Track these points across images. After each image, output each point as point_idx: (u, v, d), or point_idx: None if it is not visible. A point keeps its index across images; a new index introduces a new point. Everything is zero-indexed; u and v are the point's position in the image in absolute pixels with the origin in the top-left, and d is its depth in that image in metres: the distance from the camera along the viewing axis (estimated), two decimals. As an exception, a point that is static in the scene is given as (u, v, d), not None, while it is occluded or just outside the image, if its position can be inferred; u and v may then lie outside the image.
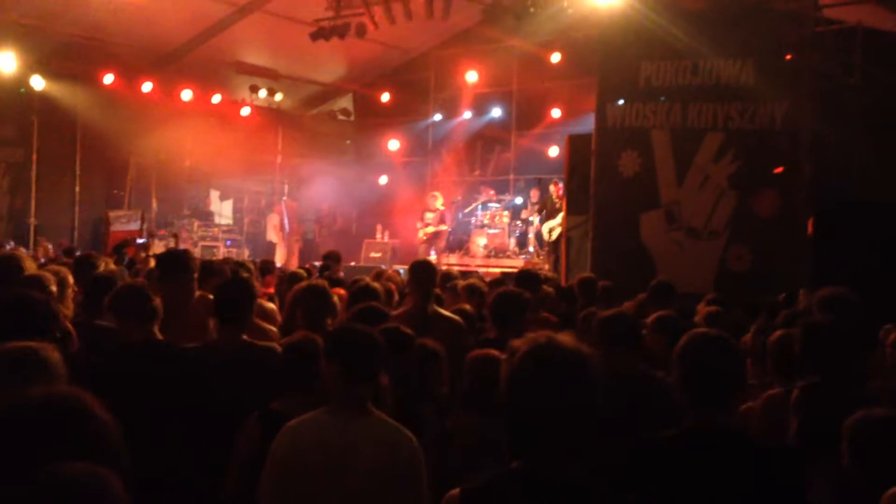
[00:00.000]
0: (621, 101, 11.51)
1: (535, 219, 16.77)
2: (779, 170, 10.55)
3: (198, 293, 5.48)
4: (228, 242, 18.53)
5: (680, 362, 3.12)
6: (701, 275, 10.36)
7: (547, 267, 14.80)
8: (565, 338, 2.37)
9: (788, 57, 10.55)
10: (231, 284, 4.78)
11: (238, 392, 4.00)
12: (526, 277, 7.22)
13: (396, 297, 7.16)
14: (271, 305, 6.38)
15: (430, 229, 17.01)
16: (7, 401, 1.88)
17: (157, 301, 4.21)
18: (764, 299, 7.31)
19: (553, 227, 15.14)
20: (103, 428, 1.88)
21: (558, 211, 15.08)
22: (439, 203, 17.28)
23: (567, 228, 13.45)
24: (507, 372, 2.35)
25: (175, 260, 5.52)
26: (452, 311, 5.91)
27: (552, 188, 15.64)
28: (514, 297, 5.33)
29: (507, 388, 2.34)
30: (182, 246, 15.17)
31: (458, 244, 17.87)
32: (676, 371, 3.15)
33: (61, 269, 5.70)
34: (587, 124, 13.30)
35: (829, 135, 10.35)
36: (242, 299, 4.53)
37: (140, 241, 15.06)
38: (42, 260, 10.38)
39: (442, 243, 17.15)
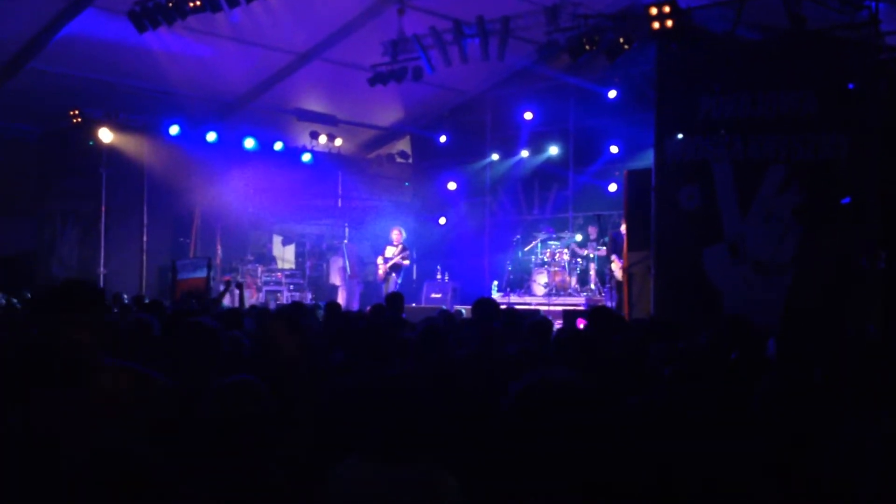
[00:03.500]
0: (680, 136, 11.41)
1: (594, 256, 16.69)
2: (845, 202, 10.29)
3: None
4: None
5: None
6: (769, 310, 10.14)
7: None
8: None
9: (851, 86, 10.33)
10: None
11: None
12: (599, 315, 7.09)
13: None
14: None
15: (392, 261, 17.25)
16: None
17: None
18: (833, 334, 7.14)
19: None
20: None
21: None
22: (403, 238, 17.50)
23: (629, 265, 13.31)
24: None
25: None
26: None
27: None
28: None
29: None
30: (246, 292, 15.33)
31: (519, 282, 17.82)
32: None
33: None
34: (646, 160, 13.23)
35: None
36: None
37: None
38: (115, 310, 10.60)
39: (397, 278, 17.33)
